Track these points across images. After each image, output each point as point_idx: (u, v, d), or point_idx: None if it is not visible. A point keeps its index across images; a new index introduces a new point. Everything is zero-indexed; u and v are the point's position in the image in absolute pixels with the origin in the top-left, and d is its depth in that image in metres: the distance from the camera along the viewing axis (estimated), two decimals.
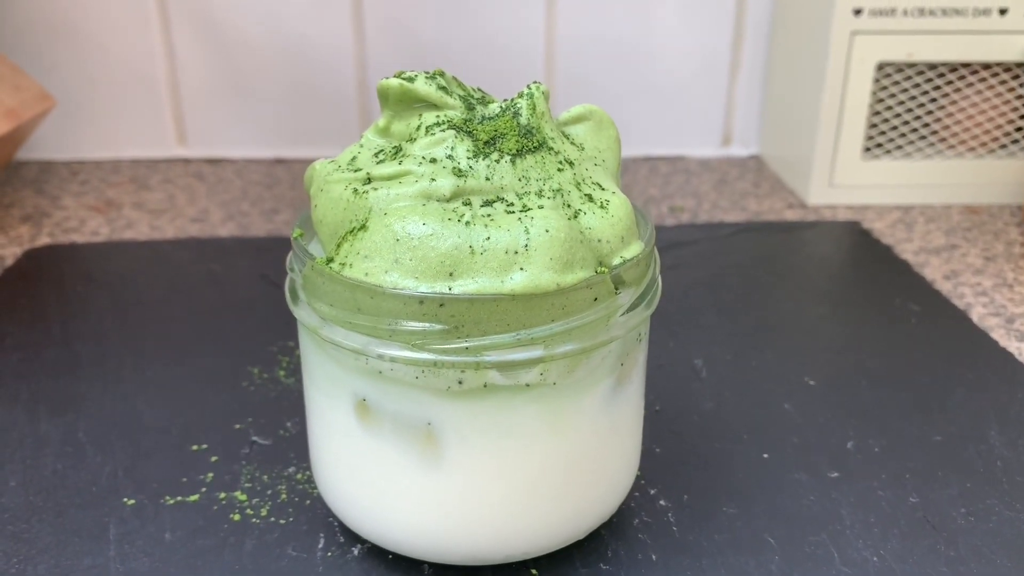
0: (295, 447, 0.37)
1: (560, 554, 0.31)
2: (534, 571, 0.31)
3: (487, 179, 0.27)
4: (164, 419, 0.38)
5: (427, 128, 0.28)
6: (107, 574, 0.30)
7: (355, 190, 0.27)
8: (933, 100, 0.63)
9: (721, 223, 0.61)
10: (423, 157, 0.27)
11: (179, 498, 0.34)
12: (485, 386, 0.26)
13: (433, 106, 0.29)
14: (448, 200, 0.26)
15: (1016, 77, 0.62)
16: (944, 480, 0.35)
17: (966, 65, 0.62)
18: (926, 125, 0.64)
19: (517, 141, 0.27)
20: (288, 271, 0.29)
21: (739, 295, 0.51)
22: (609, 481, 0.30)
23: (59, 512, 0.33)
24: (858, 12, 0.60)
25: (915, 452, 0.37)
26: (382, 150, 0.29)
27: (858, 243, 0.58)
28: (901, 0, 0.59)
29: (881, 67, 0.62)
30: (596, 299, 0.27)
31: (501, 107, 0.29)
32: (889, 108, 0.63)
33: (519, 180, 0.27)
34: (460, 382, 0.26)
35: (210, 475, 0.35)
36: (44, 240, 0.58)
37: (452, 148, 0.27)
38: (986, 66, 0.62)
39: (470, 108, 0.29)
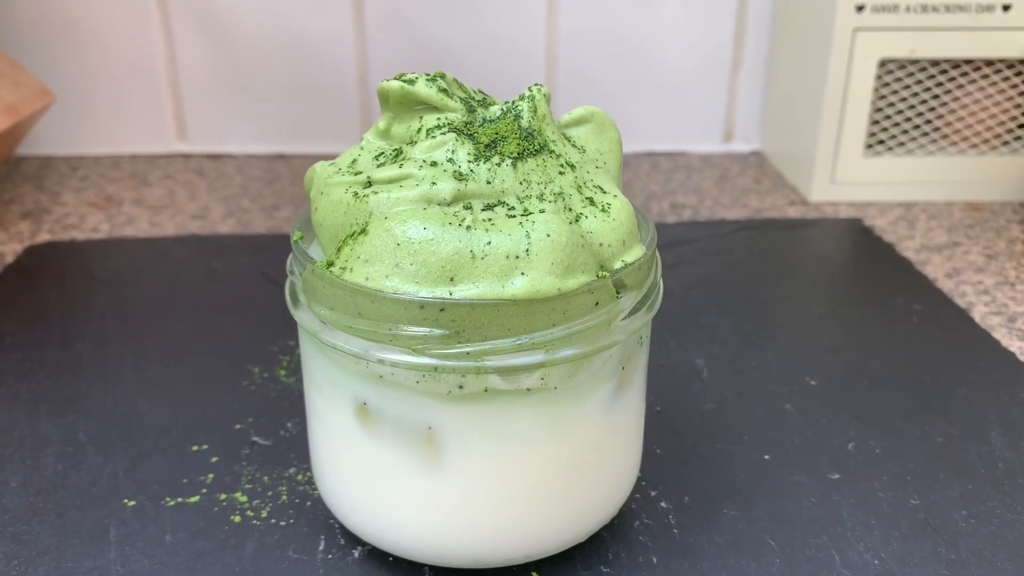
0: (295, 448, 0.37)
1: (561, 556, 0.31)
2: (535, 574, 0.31)
3: (488, 183, 0.27)
4: (164, 419, 0.38)
5: (428, 131, 0.28)
6: None
7: (355, 193, 0.27)
8: (936, 97, 0.63)
9: (722, 220, 0.61)
10: (424, 160, 0.27)
11: (179, 499, 0.34)
12: (486, 390, 0.26)
13: (434, 108, 0.28)
14: (449, 204, 0.26)
15: (1019, 74, 0.62)
16: (945, 482, 0.35)
17: (969, 62, 0.62)
18: (928, 122, 0.64)
19: (518, 144, 0.27)
20: (288, 274, 0.29)
21: (740, 294, 0.51)
22: (610, 484, 0.30)
23: (60, 513, 0.33)
24: (860, 8, 0.59)
25: (916, 453, 0.37)
26: (382, 153, 0.29)
27: (860, 241, 0.58)
28: None
29: (883, 64, 0.62)
30: (597, 303, 0.26)
31: (502, 109, 0.28)
32: (891, 105, 0.63)
33: (520, 184, 0.27)
34: (461, 386, 0.26)
35: (210, 476, 0.35)
36: (44, 236, 0.58)
37: (453, 151, 0.27)
38: (989, 62, 0.62)
39: (471, 110, 0.29)
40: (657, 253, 0.29)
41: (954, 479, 0.35)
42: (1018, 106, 0.63)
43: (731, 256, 0.55)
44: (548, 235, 0.25)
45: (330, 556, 0.31)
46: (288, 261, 0.29)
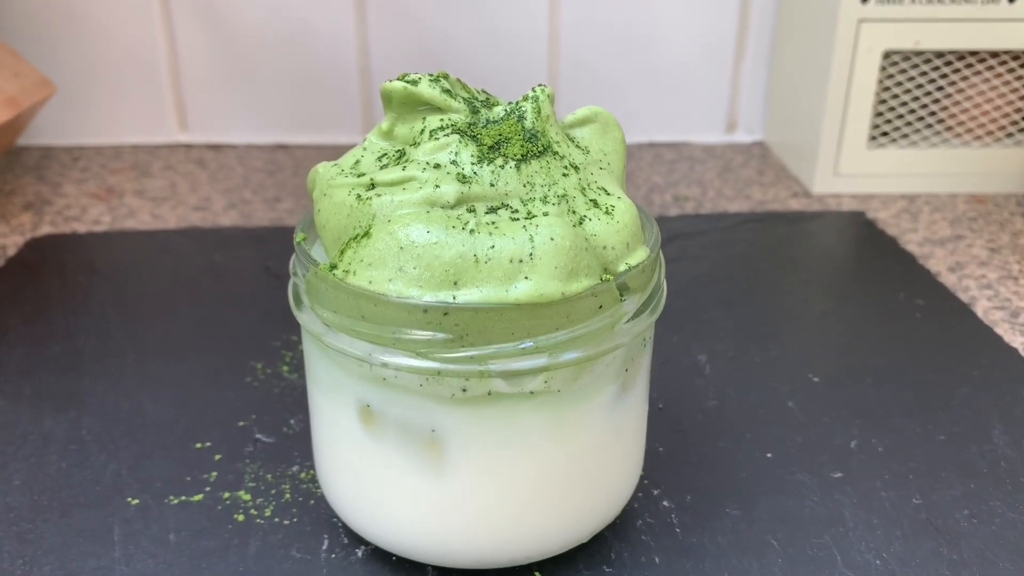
0: (298, 445, 0.37)
1: (563, 556, 0.31)
2: (537, 573, 0.31)
3: (491, 185, 0.26)
4: (167, 416, 0.38)
5: (431, 132, 0.28)
6: None
7: (358, 196, 0.27)
8: (940, 88, 0.63)
9: (725, 213, 0.61)
10: (427, 163, 0.27)
11: (183, 498, 0.34)
12: (489, 394, 0.26)
13: (437, 109, 0.28)
14: (452, 207, 0.26)
15: None
16: (947, 481, 0.35)
17: (974, 53, 0.61)
18: (932, 114, 0.64)
19: (522, 146, 0.27)
20: (291, 275, 0.29)
21: (743, 289, 0.51)
22: (613, 485, 0.30)
23: (64, 512, 0.33)
24: None
25: (918, 452, 0.37)
26: (385, 154, 0.28)
27: (863, 234, 0.58)
28: None
29: (888, 55, 0.61)
30: (601, 307, 0.26)
31: (506, 110, 0.28)
32: (895, 96, 0.63)
33: (524, 186, 0.27)
34: (464, 390, 0.26)
35: (214, 474, 0.35)
36: (46, 229, 0.58)
37: (456, 153, 0.27)
38: (994, 54, 0.61)
39: (474, 111, 0.28)
40: (661, 254, 0.29)
41: (956, 478, 0.35)
42: (1023, 97, 0.62)
43: (734, 250, 0.55)
44: (552, 239, 0.25)
45: (333, 556, 0.31)
46: (291, 262, 0.29)
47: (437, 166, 0.27)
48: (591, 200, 0.27)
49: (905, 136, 0.64)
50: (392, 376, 0.26)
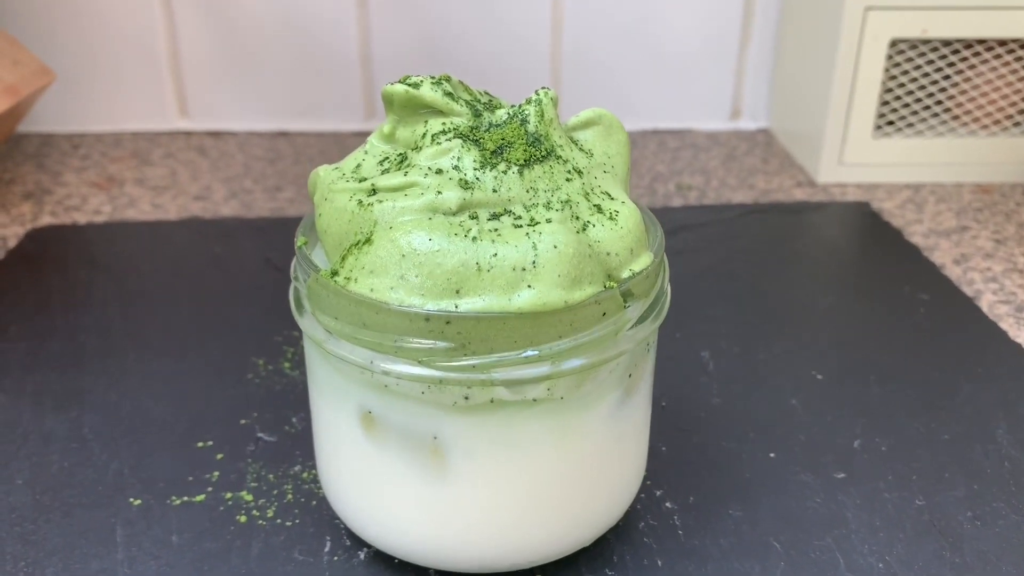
0: (300, 444, 0.37)
1: (566, 560, 0.31)
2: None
3: (494, 191, 0.26)
4: (169, 414, 0.38)
5: (433, 136, 0.27)
6: None
7: (360, 201, 0.26)
8: (947, 77, 0.62)
9: (729, 204, 0.60)
10: (429, 168, 0.27)
11: (185, 498, 0.34)
12: (492, 401, 0.26)
13: (439, 112, 0.28)
14: (454, 213, 0.26)
15: None
16: (951, 481, 0.35)
17: (981, 41, 0.61)
18: (939, 103, 0.63)
19: (525, 150, 0.27)
20: (292, 279, 0.29)
21: (746, 283, 0.50)
22: (616, 489, 0.30)
23: (66, 512, 0.33)
24: None
25: (922, 451, 0.37)
26: (387, 158, 0.28)
27: (867, 226, 0.57)
28: None
29: (894, 43, 0.61)
30: (605, 314, 0.26)
31: (508, 114, 0.28)
32: (902, 85, 0.62)
33: (527, 192, 0.26)
34: (467, 397, 0.26)
35: (216, 473, 0.35)
36: (46, 219, 0.57)
37: (458, 158, 0.27)
38: (1002, 42, 0.61)
39: (476, 115, 0.28)
40: (665, 258, 0.29)
41: (960, 479, 0.35)
42: None
43: (737, 242, 0.55)
44: (555, 246, 0.25)
45: (336, 558, 0.31)
46: (292, 266, 0.29)
47: (439, 171, 0.26)
48: (595, 205, 0.27)
49: (911, 125, 0.64)
50: (394, 383, 0.26)
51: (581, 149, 0.29)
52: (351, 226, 0.27)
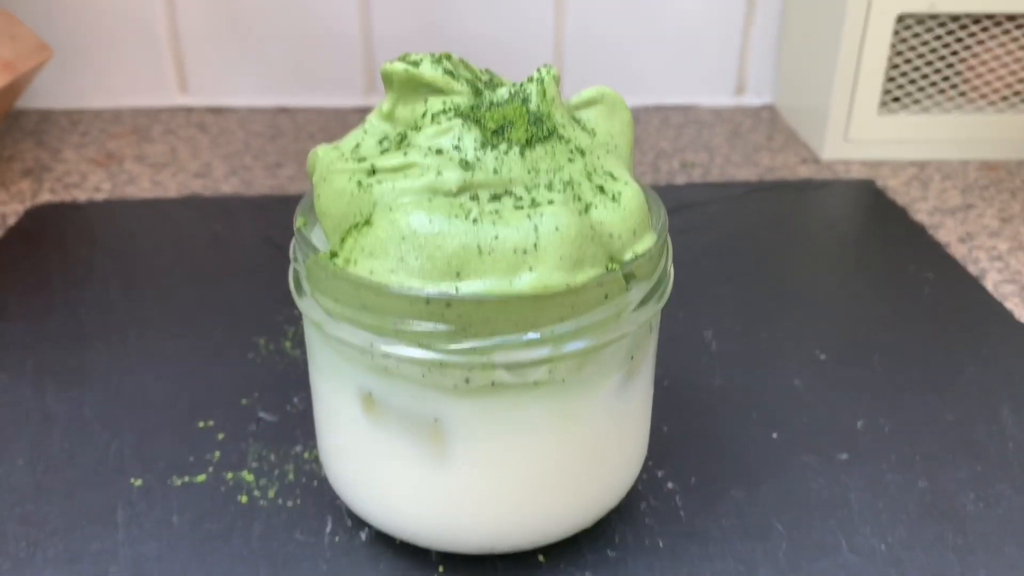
0: (302, 424, 0.36)
1: (567, 540, 0.31)
2: (541, 557, 0.31)
3: (495, 171, 0.26)
4: (170, 393, 0.38)
5: (433, 116, 0.27)
6: (116, 559, 0.30)
7: (359, 183, 0.26)
8: (954, 53, 0.62)
9: (732, 181, 0.60)
10: (429, 148, 0.26)
11: (186, 478, 0.34)
12: (493, 384, 0.26)
13: (439, 91, 0.27)
14: (455, 194, 0.25)
15: None
16: (954, 463, 0.35)
17: (990, 16, 0.60)
18: (946, 79, 0.62)
19: (526, 130, 0.26)
20: (292, 260, 0.28)
21: (750, 262, 0.50)
22: (617, 471, 0.30)
23: (68, 493, 0.33)
24: None
25: (925, 432, 0.36)
26: (386, 137, 0.28)
27: (872, 204, 0.57)
28: None
29: (901, 19, 0.60)
30: (607, 296, 0.26)
31: (510, 92, 0.27)
32: (908, 61, 0.61)
33: (528, 172, 0.26)
34: (467, 380, 0.26)
35: (217, 453, 0.35)
36: (46, 196, 0.57)
37: (459, 138, 0.26)
38: (1010, 17, 0.60)
39: (477, 93, 0.28)
40: (668, 239, 0.29)
41: (963, 460, 0.35)
42: None
43: (741, 221, 0.54)
44: (556, 228, 0.25)
45: (337, 539, 0.31)
46: (291, 247, 0.29)
47: (439, 151, 0.26)
48: (597, 186, 0.27)
49: (917, 102, 0.63)
50: (394, 366, 0.26)
51: (584, 128, 0.28)
52: (350, 207, 0.26)
